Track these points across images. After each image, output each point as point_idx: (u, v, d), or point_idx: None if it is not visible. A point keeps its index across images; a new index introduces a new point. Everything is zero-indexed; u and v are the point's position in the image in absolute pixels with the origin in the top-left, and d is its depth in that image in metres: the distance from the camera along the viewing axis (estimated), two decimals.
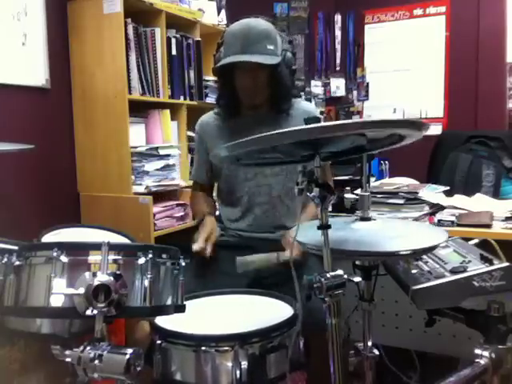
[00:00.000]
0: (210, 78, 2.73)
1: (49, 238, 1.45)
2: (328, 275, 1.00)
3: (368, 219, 1.21)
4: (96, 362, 0.95)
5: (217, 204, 1.93)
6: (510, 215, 1.84)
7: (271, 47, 1.60)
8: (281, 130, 0.93)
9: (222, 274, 1.63)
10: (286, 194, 1.74)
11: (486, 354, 1.15)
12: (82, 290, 0.96)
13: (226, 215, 1.82)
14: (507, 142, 3.26)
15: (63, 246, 1.01)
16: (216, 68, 1.68)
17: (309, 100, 3.83)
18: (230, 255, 1.69)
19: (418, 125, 0.99)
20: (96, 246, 1.00)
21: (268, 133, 0.93)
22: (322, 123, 0.96)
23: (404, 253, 1.07)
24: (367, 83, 3.97)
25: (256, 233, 1.75)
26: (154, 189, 2.31)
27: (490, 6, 3.52)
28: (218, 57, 1.70)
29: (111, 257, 1.01)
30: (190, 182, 2.45)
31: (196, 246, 1.56)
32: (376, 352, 1.21)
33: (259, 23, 1.62)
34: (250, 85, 1.65)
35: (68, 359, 0.97)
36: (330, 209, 1.07)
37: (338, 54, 4.05)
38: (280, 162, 1.34)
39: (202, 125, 1.84)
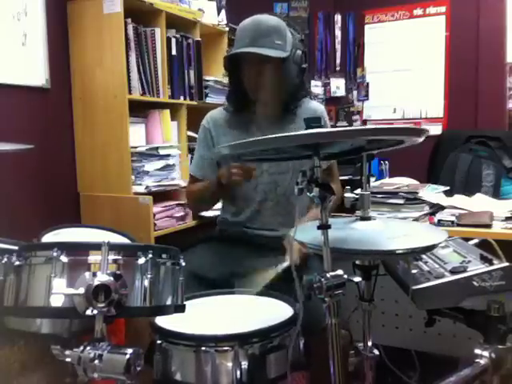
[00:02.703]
0: (210, 77, 2.73)
1: (49, 237, 1.45)
2: (328, 275, 1.00)
3: (368, 219, 1.21)
4: (96, 361, 0.95)
5: (221, 201, 1.93)
6: (510, 215, 1.84)
7: (279, 42, 1.61)
8: (281, 134, 0.94)
9: (225, 268, 1.62)
10: (292, 192, 1.74)
11: (485, 354, 1.15)
12: (82, 290, 0.96)
13: (231, 212, 1.82)
14: (507, 142, 3.26)
15: (63, 246, 1.01)
16: (224, 61, 1.70)
17: None
18: (233, 250, 1.69)
19: (417, 132, 1.00)
20: (96, 246, 1.00)
21: (268, 136, 0.94)
22: (322, 129, 0.96)
23: (402, 251, 1.07)
24: (367, 83, 3.97)
25: (261, 230, 1.75)
26: (154, 189, 2.31)
27: (490, 6, 3.52)
28: (228, 52, 1.72)
29: (111, 257, 1.01)
30: None
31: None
32: (376, 352, 1.21)
33: (269, 18, 1.64)
34: (256, 78, 1.65)
35: (68, 359, 0.97)
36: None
37: (338, 54, 4.05)
38: (280, 159, 1.35)
39: (209, 119, 1.84)
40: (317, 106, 1.84)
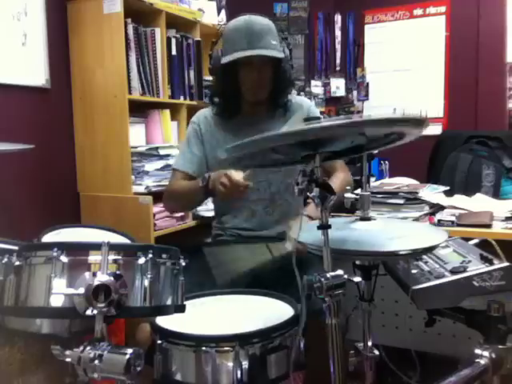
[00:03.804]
0: (210, 77, 2.72)
1: (49, 237, 1.45)
2: (328, 275, 1.00)
3: (368, 219, 1.21)
4: (96, 362, 0.94)
5: (213, 203, 1.92)
6: (510, 215, 1.84)
7: (274, 42, 1.63)
8: (280, 131, 0.93)
9: (221, 273, 1.62)
10: (285, 190, 1.74)
11: (486, 353, 1.15)
12: (82, 290, 0.96)
13: (225, 213, 1.81)
14: (507, 142, 3.26)
15: (63, 246, 1.01)
16: (221, 65, 1.65)
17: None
18: (229, 254, 1.69)
19: (416, 121, 0.99)
20: (96, 246, 1.00)
21: (268, 134, 0.93)
22: (320, 124, 0.96)
23: (403, 253, 1.07)
24: (367, 83, 3.97)
25: (255, 231, 1.75)
26: (154, 189, 2.31)
27: (490, 6, 3.52)
28: (216, 54, 1.68)
29: (111, 257, 1.01)
30: None
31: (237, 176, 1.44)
32: (376, 352, 1.21)
33: (260, 19, 1.64)
34: (256, 80, 1.65)
35: (68, 359, 0.97)
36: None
37: (338, 54, 4.05)
38: (282, 163, 1.34)
39: (200, 116, 1.81)
40: (303, 101, 1.86)
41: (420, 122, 0.99)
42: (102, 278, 0.97)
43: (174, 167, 1.81)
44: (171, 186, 1.82)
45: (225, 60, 1.63)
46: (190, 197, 1.73)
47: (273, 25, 1.66)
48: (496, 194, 3.03)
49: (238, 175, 1.46)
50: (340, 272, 1.02)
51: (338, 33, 4.04)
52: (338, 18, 4.02)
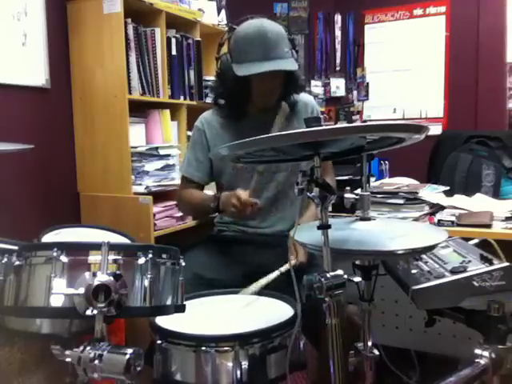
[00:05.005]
0: (210, 78, 2.73)
1: (49, 237, 1.45)
2: (328, 275, 1.00)
3: (368, 219, 1.21)
4: (96, 362, 0.95)
5: None
6: (510, 215, 1.84)
7: (287, 49, 1.62)
8: (282, 133, 0.94)
9: (224, 269, 1.63)
10: (290, 188, 1.74)
11: (486, 354, 1.15)
12: (82, 290, 0.96)
13: None
14: (507, 142, 3.26)
15: (63, 246, 1.01)
16: (233, 74, 1.62)
17: None
18: (232, 250, 1.70)
19: (417, 129, 0.99)
20: (96, 246, 1.00)
21: (269, 135, 0.94)
22: (322, 127, 0.96)
23: (402, 252, 1.07)
24: (367, 83, 3.97)
25: (259, 228, 1.75)
26: (154, 189, 2.31)
27: (490, 6, 3.52)
28: (225, 59, 1.67)
29: (111, 257, 1.01)
30: None
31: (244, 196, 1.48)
32: (376, 352, 1.21)
33: (272, 26, 1.62)
34: (270, 89, 1.66)
35: (68, 359, 0.97)
36: (329, 209, 1.08)
37: (338, 54, 4.05)
38: (280, 160, 1.35)
39: (204, 120, 1.81)
40: (308, 100, 1.86)
41: (420, 130, 0.99)
42: (102, 277, 0.97)
43: (183, 174, 1.86)
44: (181, 192, 1.87)
45: (240, 72, 1.59)
46: (200, 211, 1.86)
47: (283, 30, 1.64)
48: (496, 194, 3.03)
49: (245, 195, 1.50)
50: (340, 272, 1.02)
51: (338, 33, 4.04)
52: (337, 18, 4.02)
